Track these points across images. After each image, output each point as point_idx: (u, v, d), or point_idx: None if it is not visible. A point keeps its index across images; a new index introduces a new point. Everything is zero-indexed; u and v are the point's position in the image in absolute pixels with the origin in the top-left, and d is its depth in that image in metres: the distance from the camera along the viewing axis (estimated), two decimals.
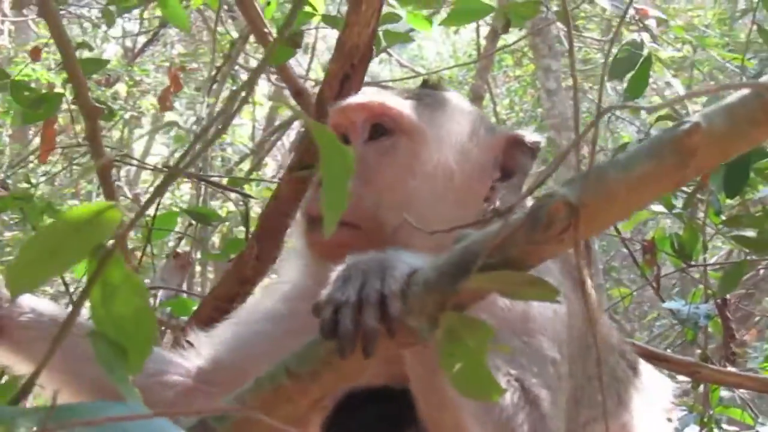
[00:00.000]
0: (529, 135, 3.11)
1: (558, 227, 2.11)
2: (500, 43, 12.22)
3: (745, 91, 2.04)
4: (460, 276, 2.16)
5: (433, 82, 3.37)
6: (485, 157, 3.06)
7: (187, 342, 3.23)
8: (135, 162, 5.49)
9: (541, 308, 2.77)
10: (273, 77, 12.58)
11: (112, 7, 5.51)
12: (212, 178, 5.32)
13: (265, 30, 5.29)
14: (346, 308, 2.21)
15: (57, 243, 1.88)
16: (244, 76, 13.25)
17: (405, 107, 3.12)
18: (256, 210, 4.91)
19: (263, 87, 15.74)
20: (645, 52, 4.20)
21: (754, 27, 6.01)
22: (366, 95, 3.19)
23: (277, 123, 13.20)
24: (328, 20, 4.98)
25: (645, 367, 3.09)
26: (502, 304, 2.70)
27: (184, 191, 13.47)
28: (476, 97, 13.25)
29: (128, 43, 13.41)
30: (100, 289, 1.91)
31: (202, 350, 3.17)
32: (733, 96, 2.06)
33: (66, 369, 3.03)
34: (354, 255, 2.39)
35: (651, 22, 4.54)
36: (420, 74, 14.70)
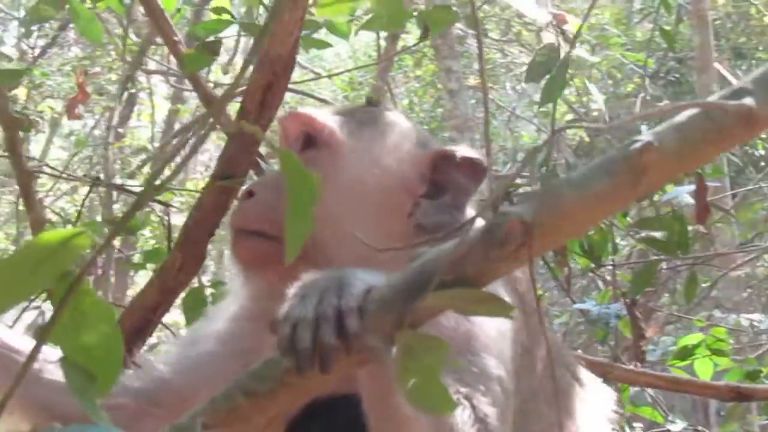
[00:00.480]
0: (462, 151, 3.10)
1: (513, 245, 2.15)
2: (400, 44, 12.30)
3: (694, 111, 2.10)
4: (416, 294, 2.19)
5: (373, 99, 3.39)
6: (409, 172, 3.06)
7: (134, 363, 3.20)
8: (58, 173, 5.39)
9: (485, 326, 2.79)
10: (172, 80, 12.51)
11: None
12: (131, 187, 5.26)
13: (175, 38, 5.25)
14: (304, 325, 2.22)
15: (24, 270, 1.87)
16: (142, 79, 13.15)
17: (329, 120, 3.15)
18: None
19: (162, 89, 15.63)
20: (562, 57, 4.26)
21: (654, 25, 6.13)
22: (304, 108, 3.21)
23: (177, 127, 13.12)
24: (247, 28, 4.95)
25: (587, 376, 3.15)
26: (447, 323, 2.72)
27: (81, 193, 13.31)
28: (376, 98, 13.30)
29: (23, 45, 13.21)
30: (68, 315, 1.90)
31: (147, 372, 3.14)
32: (683, 115, 2.11)
33: (26, 395, 3.00)
34: (310, 273, 2.41)
35: (568, 27, 4.60)
36: (320, 76, 14.71)
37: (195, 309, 5.20)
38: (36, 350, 1.88)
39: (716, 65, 12.00)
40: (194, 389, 2.97)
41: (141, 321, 4.45)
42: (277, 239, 2.98)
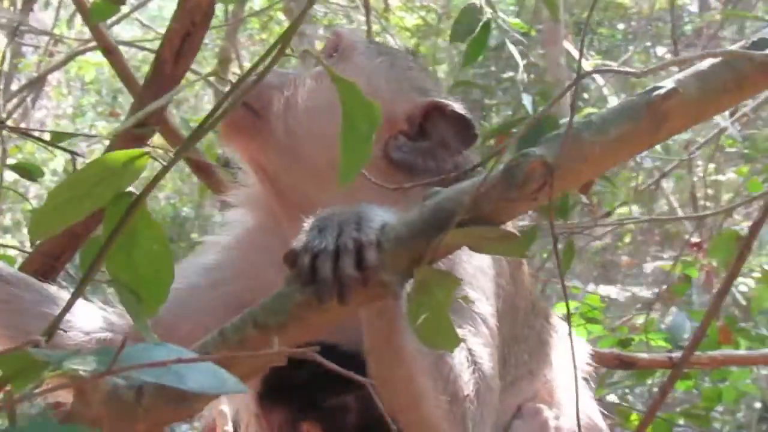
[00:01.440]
0: (456, 107, 3.12)
1: (533, 186, 2.20)
2: (248, 6, 12.21)
3: (716, 60, 2.19)
4: (433, 231, 2.22)
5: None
6: (399, 109, 3.08)
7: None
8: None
9: (471, 267, 2.84)
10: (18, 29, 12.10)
11: None
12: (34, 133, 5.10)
13: None
14: (324, 256, 2.24)
15: (84, 189, 1.84)
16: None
17: (357, 37, 3.22)
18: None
19: None
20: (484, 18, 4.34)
21: None
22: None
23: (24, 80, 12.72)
24: None
25: (564, 329, 3.22)
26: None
27: None
28: (224, 59, 13.21)
29: None
30: (122, 236, 1.88)
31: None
32: (704, 63, 2.20)
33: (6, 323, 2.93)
34: (326, 208, 2.42)
35: None
36: (162, 35, 14.49)
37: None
38: (92, 272, 1.85)
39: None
40: (180, 322, 2.93)
41: (44, 267, 4.36)
42: (260, 115, 3.04)
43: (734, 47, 2.22)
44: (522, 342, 3.02)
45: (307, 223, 2.38)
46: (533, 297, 3.20)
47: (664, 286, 7.35)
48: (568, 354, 3.13)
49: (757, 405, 11.88)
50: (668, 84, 2.18)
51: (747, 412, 11.13)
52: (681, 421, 6.65)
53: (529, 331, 3.07)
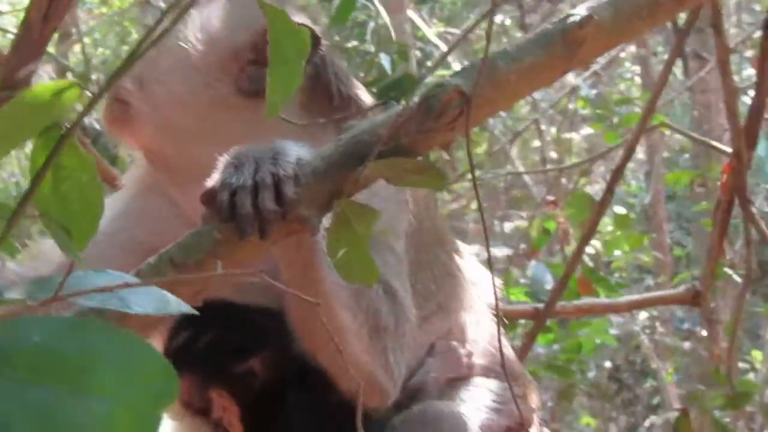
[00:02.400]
0: (297, 20, 3.06)
1: (450, 115, 2.20)
2: None
3: None
4: (350, 165, 2.21)
5: None
6: (242, 39, 3.03)
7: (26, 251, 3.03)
8: None
9: (377, 199, 2.82)
10: None
11: None
12: None
13: None
14: (243, 191, 2.22)
15: (14, 120, 1.77)
16: None
17: None
18: None
19: None
20: None
21: None
22: None
23: None
24: None
25: (472, 261, 3.22)
26: None
27: None
28: (64, 35, 12.90)
29: None
30: (51, 169, 1.82)
31: (48, 257, 2.96)
32: None
33: None
34: (240, 146, 2.39)
35: None
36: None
37: None
38: (25, 200, 1.78)
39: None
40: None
41: None
42: (128, 102, 3.00)
43: None
44: (427, 269, 3.01)
45: (221, 161, 2.34)
46: (441, 229, 3.21)
47: (522, 245, 7.49)
48: (480, 293, 3.16)
49: (607, 364, 12.25)
50: (582, 11, 2.20)
51: (598, 371, 11.47)
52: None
53: (435, 259, 3.06)
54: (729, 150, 4.76)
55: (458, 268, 3.14)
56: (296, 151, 2.29)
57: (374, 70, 6.07)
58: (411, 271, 2.88)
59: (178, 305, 1.70)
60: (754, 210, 4.57)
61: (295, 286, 2.47)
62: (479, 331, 3.12)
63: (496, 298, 2.62)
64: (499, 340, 2.44)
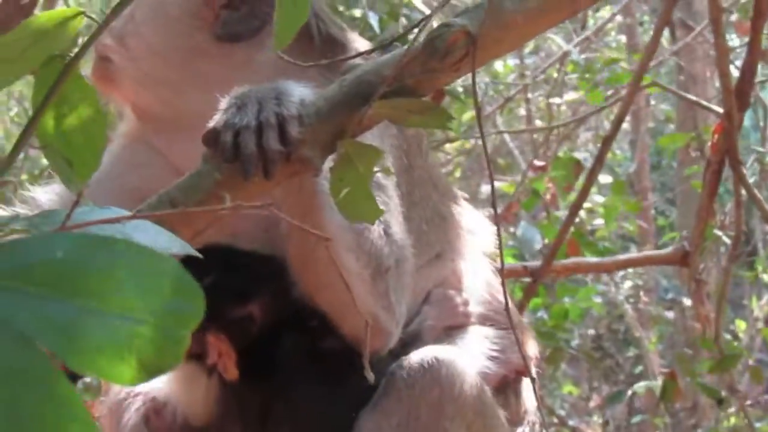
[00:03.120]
0: None
1: (456, 56, 2.18)
2: None
3: None
4: (354, 105, 2.19)
5: None
6: None
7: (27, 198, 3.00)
8: None
9: (369, 135, 2.78)
10: None
11: None
12: None
13: None
14: (247, 131, 2.20)
15: (15, 52, 1.74)
16: None
17: None
18: None
19: None
20: None
21: None
22: None
23: None
24: None
25: (466, 206, 3.20)
26: None
27: None
28: None
29: None
30: (54, 101, 1.79)
31: (41, 203, 2.95)
32: None
33: None
34: (242, 86, 2.36)
35: None
36: None
37: None
38: (27, 133, 1.76)
39: None
40: None
41: None
42: (108, 59, 3.00)
43: None
44: (419, 207, 2.98)
45: (224, 102, 2.32)
46: (434, 171, 3.18)
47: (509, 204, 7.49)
48: (477, 241, 3.14)
49: (591, 332, 12.26)
50: None
51: (581, 339, 11.48)
52: None
53: (426, 198, 3.03)
54: (720, 110, 4.73)
55: (451, 213, 3.12)
56: (299, 92, 2.27)
57: (365, 33, 6.02)
58: (402, 206, 2.85)
59: (183, 245, 1.68)
60: (744, 171, 4.54)
61: (299, 229, 2.45)
62: (476, 280, 3.11)
63: (501, 250, 2.60)
64: (504, 286, 2.43)
